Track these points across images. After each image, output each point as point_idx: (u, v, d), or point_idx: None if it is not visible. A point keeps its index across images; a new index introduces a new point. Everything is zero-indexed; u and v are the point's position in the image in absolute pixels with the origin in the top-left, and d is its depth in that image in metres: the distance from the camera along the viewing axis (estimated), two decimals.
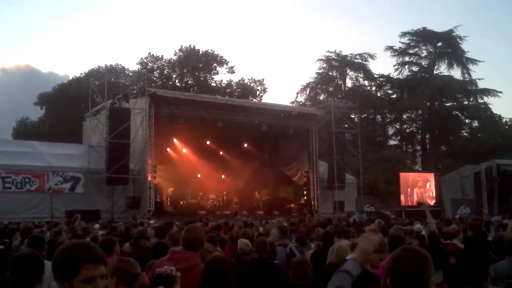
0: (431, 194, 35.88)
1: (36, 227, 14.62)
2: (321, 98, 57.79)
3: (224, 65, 57.83)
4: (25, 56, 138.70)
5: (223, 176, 37.27)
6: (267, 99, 59.73)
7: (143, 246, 8.16)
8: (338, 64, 60.85)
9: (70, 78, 58.67)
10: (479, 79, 57.30)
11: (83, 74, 54.87)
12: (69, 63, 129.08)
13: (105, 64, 53.89)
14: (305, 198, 35.24)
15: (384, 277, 2.72)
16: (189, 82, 56.88)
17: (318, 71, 61.59)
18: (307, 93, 61.74)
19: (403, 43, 59.39)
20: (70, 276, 2.48)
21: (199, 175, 35.82)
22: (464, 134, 58.01)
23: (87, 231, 12.24)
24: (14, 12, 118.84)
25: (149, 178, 28.26)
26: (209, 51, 57.30)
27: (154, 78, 54.42)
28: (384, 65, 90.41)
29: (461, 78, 57.54)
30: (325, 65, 61.24)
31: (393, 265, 2.66)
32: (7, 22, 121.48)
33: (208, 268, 4.43)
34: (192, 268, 4.70)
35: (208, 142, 34.77)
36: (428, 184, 36.21)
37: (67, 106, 49.43)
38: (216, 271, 4.37)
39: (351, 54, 60.42)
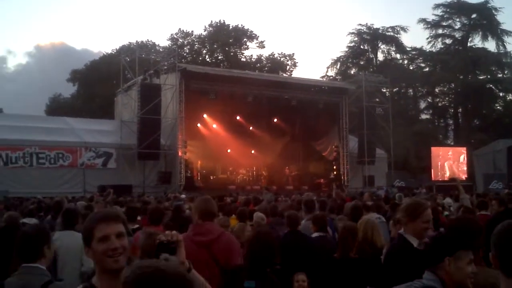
0: (464, 168, 35.48)
1: (69, 202, 14.95)
2: (352, 72, 57.30)
3: (254, 40, 57.75)
4: (60, 33, 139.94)
5: (252, 151, 37.36)
6: (297, 73, 59.54)
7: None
8: (369, 37, 59.99)
9: (103, 54, 59.29)
10: None
11: (115, 51, 55.35)
12: (103, 40, 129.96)
13: (136, 41, 54.26)
14: (335, 173, 35.18)
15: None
16: (219, 57, 56.93)
17: (349, 44, 60.90)
18: (338, 67, 61.18)
19: (436, 15, 58.22)
20: (89, 240, 2.62)
21: (229, 150, 35.98)
22: (498, 107, 56.90)
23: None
24: None
25: (180, 153, 28.58)
26: (239, 26, 57.26)
27: (185, 54, 54.53)
28: (416, 38, 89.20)
29: (496, 51, 56.29)
30: (356, 38, 60.48)
31: (503, 240, 2.53)
32: (43, 0, 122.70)
33: (255, 242, 4.51)
34: (220, 237, 4.85)
35: (238, 117, 34.86)
36: (462, 157, 35.78)
37: (99, 83, 49.98)
38: (263, 244, 4.45)
39: (383, 27, 59.53)
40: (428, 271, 3.23)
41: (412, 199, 5.58)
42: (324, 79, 55.49)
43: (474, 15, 56.97)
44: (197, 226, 4.95)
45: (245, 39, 57.60)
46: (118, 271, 2.57)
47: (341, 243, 5.92)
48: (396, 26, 59.08)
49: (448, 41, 59.25)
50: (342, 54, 61.08)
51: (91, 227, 2.64)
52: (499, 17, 56.05)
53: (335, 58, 61.24)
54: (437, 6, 57.48)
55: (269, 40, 73.48)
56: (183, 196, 18.89)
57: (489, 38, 56.25)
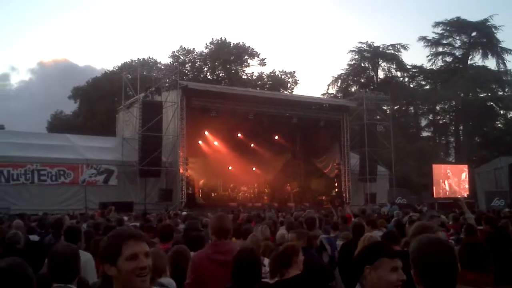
0: (466, 186, 35.42)
1: (71, 218, 14.90)
2: (352, 89, 57.26)
3: (255, 58, 57.87)
4: (63, 50, 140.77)
5: (254, 168, 37.37)
6: (298, 91, 59.73)
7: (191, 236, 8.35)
8: (370, 55, 60.29)
9: (104, 72, 59.40)
10: None
11: (116, 68, 55.51)
12: (105, 57, 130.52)
13: (138, 58, 54.34)
14: (336, 190, 35.11)
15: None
16: (221, 74, 57.07)
17: (349, 62, 61.21)
18: (339, 84, 61.36)
19: (436, 33, 58.68)
20: (115, 257, 2.55)
21: (230, 167, 35.96)
22: (499, 125, 56.87)
23: (120, 222, 12.43)
24: (53, 7, 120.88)
25: (181, 170, 28.56)
26: (240, 43, 57.47)
27: (186, 71, 54.71)
28: (417, 56, 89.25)
29: (496, 68, 56.66)
30: (357, 56, 60.78)
31: (420, 256, 2.58)
32: (46, 17, 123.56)
33: (238, 259, 4.49)
34: None
35: (239, 135, 34.86)
36: (464, 175, 35.76)
37: (100, 100, 50.03)
38: (247, 261, 4.43)
39: (383, 45, 59.93)
40: (358, 285, 3.15)
41: (421, 222, 5.49)
42: (325, 97, 55.59)
43: (474, 33, 57.33)
44: (217, 245, 4.98)
45: (246, 57, 57.77)
46: None
47: (274, 264, 5.43)
48: (397, 44, 59.56)
49: (448, 59, 59.57)
50: (343, 72, 61.41)
51: (119, 244, 2.57)
52: (499, 35, 56.49)
53: (336, 76, 61.54)
54: (437, 24, 57.99)
55: (270, 57, 73.78)
56: (184, 213, 18.82)
57: (489, 56, 56.63)
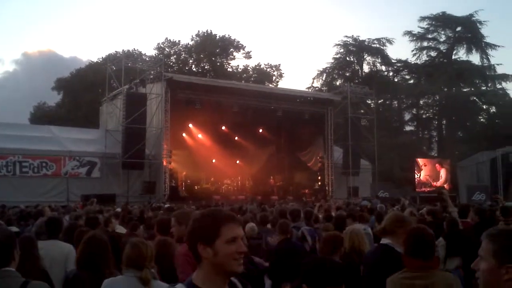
0: (441, 180, 35.87)
1: (52, 210, 14.83)
2: (337, 83, 57.31)
3: (241, 50, 57.84)
4: (48, 41, 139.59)
5: (238, 161, 37.41)
6: (283, 84, 59.82)
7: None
8: (355, 49, 60.32)
9: (89, 63, 59.01)
10: (497, 64, 56.93)
11: (101, 59, 55.15)
12: (91, 48, 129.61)
13: (122, 49, 53.98)
14: (320, 183, 35.25)
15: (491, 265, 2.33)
16: (206, 67, 56.94)
17: (335, 56, 61.18)
18: (324, 78, 61.39)
19: (421, 27, 58.86)
20: (213, 238, 2.46)
21: (214, 160, 35.94)
22: (482, 120, 57.23)
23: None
24: None
25: (165, 163, 28.48)
26: (226, 36, 57.35)
27: (171, 63, 54.53)
28: (402, 50, 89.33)
29: (480, 63, 56.99)
30: (342, 50, 60.81)
31: None
32: (31, 7, 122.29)
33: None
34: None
35: (223, 127, 34.87)
36: (442, 171, 36.19)
37: (84, 91, 49.76)
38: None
39: (368, 39, 59.90)
40: None
41: (397, 212, 5.68)
42: (310, 90, 55.54)
43: (459, 28, 57.62)
44: None
45: (231, 49, 57.69)
46: (234, 275, 2.56)
47: (321, 251, 5.97)
48: (382, 38, 59.57)
49: (433, 53, 59.85)
50: (328, 66, 61.34)
51: (218, 225, 2.49)
52: (484, 31, 56.79)
53: (321, 69, 61.49)
54: (422, 18, 58.17)
55: (256, 50, 73.02)
56: (166, 205, 18.81)
57: (474, 51, 56.92)
